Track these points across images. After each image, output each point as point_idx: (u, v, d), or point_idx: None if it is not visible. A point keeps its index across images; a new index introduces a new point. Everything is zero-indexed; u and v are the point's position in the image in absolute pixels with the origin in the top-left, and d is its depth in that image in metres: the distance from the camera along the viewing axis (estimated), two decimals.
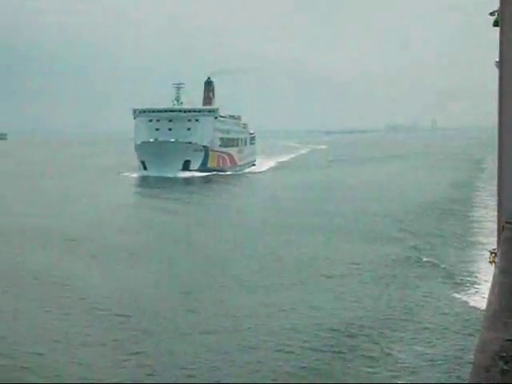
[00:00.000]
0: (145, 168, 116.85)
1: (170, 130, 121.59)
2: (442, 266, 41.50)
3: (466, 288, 36.08)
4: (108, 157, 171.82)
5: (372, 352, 26.65)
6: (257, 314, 31.91)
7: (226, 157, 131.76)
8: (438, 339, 28.12)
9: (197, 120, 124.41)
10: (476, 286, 36.16)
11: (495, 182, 17.09)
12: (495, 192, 17.59)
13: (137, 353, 26.87)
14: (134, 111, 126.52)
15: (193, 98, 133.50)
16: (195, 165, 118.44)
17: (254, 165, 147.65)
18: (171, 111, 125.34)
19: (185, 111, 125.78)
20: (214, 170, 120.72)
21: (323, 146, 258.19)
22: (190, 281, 39.09)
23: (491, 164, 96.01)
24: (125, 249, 48.14)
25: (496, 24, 16.81)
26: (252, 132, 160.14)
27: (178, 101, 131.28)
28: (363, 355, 26.40)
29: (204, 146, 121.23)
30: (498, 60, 16.89)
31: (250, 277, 39.30)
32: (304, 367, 25.16)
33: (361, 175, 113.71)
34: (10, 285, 37.66)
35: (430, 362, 25.56)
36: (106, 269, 42.02)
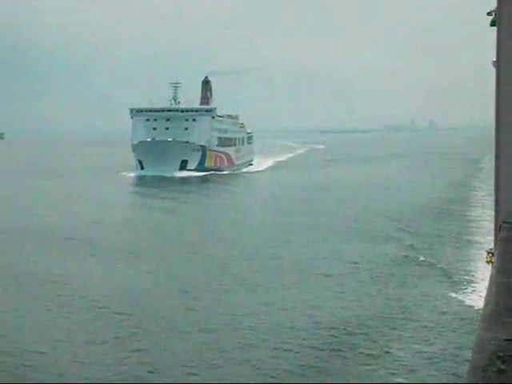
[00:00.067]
0: (142, 167, 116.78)
1: (167, 129, 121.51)
2: (440, 265, 41.55)
3: (463, 287, 36.16)
4: (105, 156, 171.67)
5: (371, 350, 26.79)
6: (256, 312, 32.05)
7: (224, 156, 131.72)
8: (435, 338, 28.26)
9: (194, 119, 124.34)
10: (473, 285, 36.21)
11: (492, 182, 17.10)
12: (492, 191, 17.60)
13: (138, 350, 27.10)
14: (131, 111, 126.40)
15: (190, 98, 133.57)
16: (192, 164, 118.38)
17: (251, 164, 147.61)
18: (168, 111, 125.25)
19: (182, 111, 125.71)
20: (212, 170, 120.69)
21: (321, 146, 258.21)
22: (189, 279, 39.20)
23: (488, 163, 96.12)
24: (123, 248, 48.26)
25: (493, 24, 16.82)
26: (249, 131, 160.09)
27: (175, 100, 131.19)
28: (361, 353, 26.55)
29: (201, 146, 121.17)
30: (495, 60, 16.90)
31: (248, 275, 39.41)
32: (304, 365, 25.29)
33: (359, 175, 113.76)
34: (13, 283, 37.79)
35: (427, 360, 25.70)
36: (105, 267, 42.11)
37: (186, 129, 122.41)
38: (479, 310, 29.74)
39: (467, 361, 22.87)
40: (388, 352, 26.64)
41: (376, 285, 37.13)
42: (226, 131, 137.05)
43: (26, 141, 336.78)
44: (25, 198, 79.05)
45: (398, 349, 26.93)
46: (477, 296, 33.01)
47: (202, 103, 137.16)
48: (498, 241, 15.19)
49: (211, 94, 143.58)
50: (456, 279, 37.97)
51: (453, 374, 24.18)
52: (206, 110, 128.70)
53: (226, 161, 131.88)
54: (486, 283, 12.88)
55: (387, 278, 38.55)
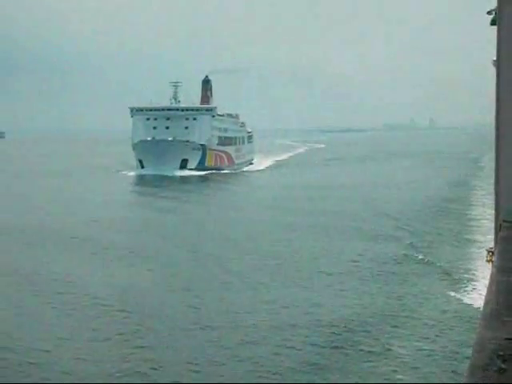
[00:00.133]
0: (142, 166, 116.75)
1: (167, 128, 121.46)
2: (440, 264, 41.60)
3: (464, 286, 36.23)
4: (106, 155, 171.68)
5: (372, 347, 26.93)
6: (258, 310, 32.20)
7: (224, 155, 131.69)
8: (436, 335, 28.39)
9: (194, 119, 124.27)
10: (473, 283, 36.29)
11: (492, 181, 17.11)
12: (492, 190, 17.61)
13: (141, 347, 27.27)
14: (132, 110, 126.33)
15: (190, 97, 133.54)
16: (193, 163, 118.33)
17: (251, 163, 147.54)
18: (169, 110, 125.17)
19: (182, 110, 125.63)
20: (212, 169, 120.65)
21: (321, 145, 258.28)
22: (191, 278, 39.32)
23: (488, 163, 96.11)
24: (125, 246, 48.38)
25: (493, 23, 16.83)
26: (250, 131, 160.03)
27: (175, 99, 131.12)
28: (363, 350, 26.71)
29: (201, 145, 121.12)
30: (495, 59, 16.91)
31: (250, 274, 39.52)
32: (306, 362, 25.44)
33: (359, 174, 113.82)
34: (17, 281, 37.93)
35: (428, 357, 25.84)
36: (107, 266, 42.22)
37: (187, 128, 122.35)
38: (478, 307, 30.01)
39: (467, 358, 23.12)
40: (389, 349, 26.78)
41: (377, 283, 37.22)
42: (226, 130, 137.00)
43: (26, 140, 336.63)
44: (24, 197, 79.01)
45: (399, 346, 27.10)
46: (477, 294, 33.15)
47: (202, 102, 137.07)
48: (498, 239, 15.20)
49: (211, 93, 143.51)
50: (456, 278, 38.03)
51: (452, 371, 24.30)
52: (207, 109, 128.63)
53: (226, 160, 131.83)
54: (486, 282, 12.89)
55: (388, 277, 38.64)
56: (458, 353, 25.85)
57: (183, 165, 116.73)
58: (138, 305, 33.49)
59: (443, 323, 29.97)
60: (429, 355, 26.05)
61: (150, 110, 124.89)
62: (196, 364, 25.44)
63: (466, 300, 33.24)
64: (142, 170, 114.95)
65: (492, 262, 14.58)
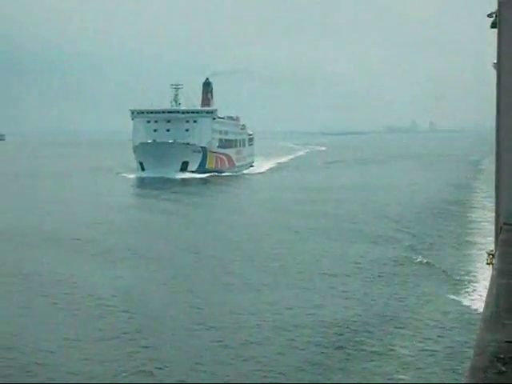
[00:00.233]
0: (143, 169, 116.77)
1: (168, 130, 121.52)
2: (440, 266, 41.64)
3: (464, 288, 36.32)
4: (106, 157, 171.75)
5: (374, 347, 27.13)
6: (261, 311, 32.34)
7: (225, 158, 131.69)
8: (437, 336, 28.55)
9: (195, 121, 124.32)
10: (473, 285, 36.37)
11: (493, 184, 17.12)
12: (493, 193, 17.61)
13: (146, 347, 27.47)
14: (132, 112, 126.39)
15: (191, 99, 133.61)
16: (193, 166, 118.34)
17: (252, 166, 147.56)
18: (169, 112, 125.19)
19: (183, 112, 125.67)
20: (212, 171, 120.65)
21: (322, 148, 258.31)
22: (194, 279, 39.44)
23: (488, 165, 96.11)
24: (128, 248, 48.46)
25: (494, 26, 16.85)
26: (250, 133, 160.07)
27: (176, 102, 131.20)
28: (365, 350, 26.90)
29: (202, 147, 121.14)
30: (495, 61, 16.93)
31: (253, 275, 39.65)
32: (309, 361, 25.63)
33: (360, 176, 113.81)
34: (22, 283, 38.00)
35: (429, 358, 26.03)
36: (110, 267, 42.33)
37: (187, 130, 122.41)
38: (477, 309, 30.21)
39: (466, 358, 23.28)
40: (391, 350, 26.96)
41: (378, 284, 37.37)
42: (226, 133, 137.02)
43: (26, 142, 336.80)
44: (25, 199, 79.05)
45: (400, 346, 27.28)
46: (477, 296, 33.26)
47: (202, 105, 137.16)
48: (498, 242, 15.21)
49: (212, 95, 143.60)
50: (457, 280, 38.08)
51: (453, 371, 24.49)
52: (207, 112, 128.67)
53: (226, 162, 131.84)
54: (487, 284, 12.89)
55: (389, 278, 38.77)
56: (458, 353, 26.01)
57: (184, 167, 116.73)
58: (141, 305, 33.70)
59: (444, 324, 30.09)
60: (430, 355, 26.22)
61: (151, 113, 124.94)
62: (201, 364, 25.64)
63: (467, 302, 33.33)
64: (143, 173, 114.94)
65: (492, 264, 14.59)
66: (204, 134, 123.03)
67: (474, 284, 36.55)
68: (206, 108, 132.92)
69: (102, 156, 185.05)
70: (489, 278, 12.83)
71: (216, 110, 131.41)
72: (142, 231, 58.71)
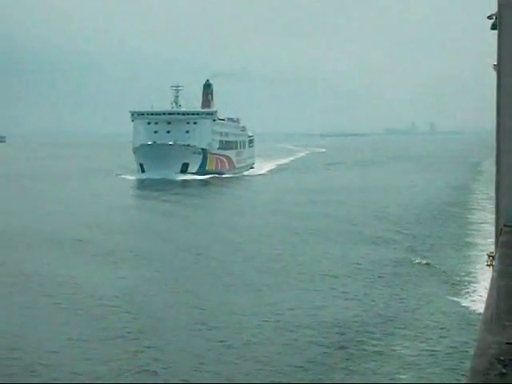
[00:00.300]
0: (143, 170, 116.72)
1: (168, 132, 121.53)
2: (440, 267, 41.72)
3: (464, 288, 36.43)
4: (106, 159, 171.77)
5: (375, 347, 27.29)
6: (263, 311, 32.46)
7: (225, 159, 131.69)
8: (437, 337, 28.70)
9: (195, 123, 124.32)
10: (473, 286, 36.46)
11: (493, 185, 17.13)
12: (493, 195, 17.62)
13: (149, 347, 27.62)
14: (133, 114, 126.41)
15: (191, 101, 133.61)
16: (193, 167, 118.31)
17: (252, 167, 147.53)
18: (170, 114, 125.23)
19: (183, 114, 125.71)
20: (213, 173, 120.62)
21: (322, 149, 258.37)
22: (195, 281, 39.56)
23: (488, 167, 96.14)
24: (129, 249, 48.64)
25: (494, 27, 16.86)
26: (251, 135, 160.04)
27: (176, 103, 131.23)
28: (366, 350, 27.05)
29: (202, 149, 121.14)
30: (496, 63, 16.94)
31: (254, 276, 39.77)
32: (310, 361, 25.78)
33: (360, 178, 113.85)
34: (22, 284, 38.08)
35: (430, 358, 26.21)
36: (112, 268, 42.47)
37: (187, 132, 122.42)
38: (476, 310, 30.34)
39: (466, 358, 23.37)
40: (392, 350, 27.10)
41: (379, 285, 37.49)
42: (227, 134, 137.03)
43: (27, 144, 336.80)
44: (27, 201, 79.04)
45: (401, 347, 27.44)
46: (477, 297, 33.37)
47: (203, 106, 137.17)
48: (498, 244, 15.21)
49: (212, 97, 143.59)
50: (457, 282, 38.14)
51: (452, 370, 24.67)
52: (207, 113, 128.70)
53: (227, 164, 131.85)
54: (487, 285, 12.89)
55: (389, 279, 38.88)
56: (458, 354, 26.16)
57: (184, 169, 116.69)
58: (144, 306, 33.84)
59: (444, 325, 30.22)
60: (430, 355, 26.37)
61: (151, 114, 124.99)
62: (204, 363, 25.82)
63: (467, 303, 33.40)
64: (143, 174, 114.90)
65: (492, 266, 14.59)
66: (204, 136, 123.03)
67: (474, 285, 36.59)
68: (207, 110, 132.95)
69: (101, 157, 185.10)
70: (489, 280, 12.83)
71: (216, 112, 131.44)
72: (143, 232, 58.78)
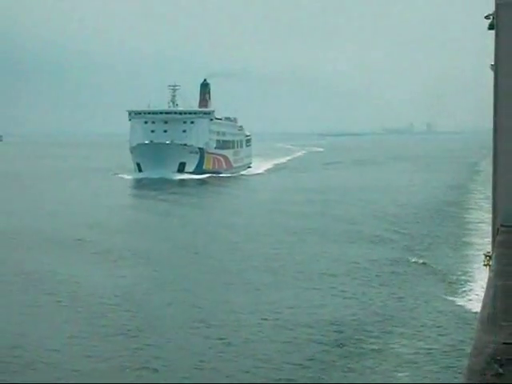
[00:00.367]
0: (140, 170, 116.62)
1: (165, 131, 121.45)
2: (437, 266, 41.86)
3: (461, 288, 36.55)
4: (103, 158, 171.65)
5: (373, 345, 27.47)
6: (261, 310, 32.60)
7: (222, 159, 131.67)
8: (434, 335, 28.88)
9: (192, 122, 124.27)
10: (470, 286, 36.58)
11: (490, 185, 17.14)
12: (490, 194, 17.63)
13: (149, 344, 27.76)
14: (130, 113, 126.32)
15: (189, 100, 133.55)
16: (190, 167, 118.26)
17: (250, 167, 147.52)
18: (167, 113, 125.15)
19: (180, 113, 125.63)
20: (210, 172, 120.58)
21: (320, 149, 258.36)
22: (194, 280, 39.61)
23: (486, 167, 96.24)
24: (128, 249, 48.65)
25: (491, 27, 16.87)
26: (248, 134, 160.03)
27: (173, 103, 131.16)
28: (364, 348, 27.23)
29: (199, 148, 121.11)
30: (493, 63, 16.95)
31: (252, 275, 39.84)
32: (308, 359, 25.94)
33: (357, 177, 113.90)
34: (23, 283, 38.12)
35: (427, 356, 26.37)
36: (111, 267, 42.55)
37: (184, 131, 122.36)
38: (472, 309, 30.47)
39: (462, 356, 23.46)
40: (389, 348, 27.25)
41: (376, 284, 37.62)
42: (224, 134, 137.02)
43: (24, 143, 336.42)
44: (25, 200, 78.96)
45: (398, 345, 27.59)
46: (474, 297, 33.52)
47: (200, 106, 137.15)
48: (495, 244, 15.23)
49: (210, 96, 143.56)
50: (454, 281, 38.29)
51: (449, 367, 24.85)
52: (205, 113, 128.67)
53: (224, 163, 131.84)
54: (484, 285, 12.90)
55: (387, 278, 38.98)
56: (454, 352, 26.34)
57: (181, 168, 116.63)
58: (143, 304, 33.95)
59: (441, 324, 30.38)
60: (427, 353, 26.53)
61: (148, 114, 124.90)
62: (203, 361, 25.96)
63: (464, 303, 33.54)
64: (140, 174, 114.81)
65: (489, 266, 14.60)
66: (201, 135, 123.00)
67: (471, 285, 36.68)
68: (204, 109, 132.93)
69: (99, 157, 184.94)
70: (486, 280, 12.84)
71: (213, 111, 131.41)
72: (141, 232, 58.79)
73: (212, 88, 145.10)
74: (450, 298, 34.49)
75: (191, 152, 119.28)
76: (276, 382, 24.21)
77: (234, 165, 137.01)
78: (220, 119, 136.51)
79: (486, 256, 17.26)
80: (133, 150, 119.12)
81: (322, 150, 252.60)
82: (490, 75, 17.48)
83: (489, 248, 17.94)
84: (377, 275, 39.72)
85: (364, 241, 50.89)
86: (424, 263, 42.84)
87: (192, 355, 26.63)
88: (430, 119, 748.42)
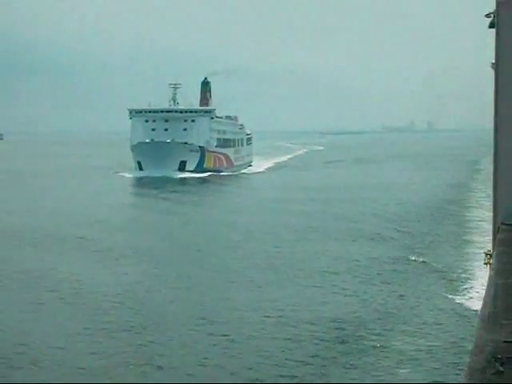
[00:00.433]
0: (141, 168, 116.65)
1: (166, 130, 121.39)
2: (438, 265, 41.90)
3: (462, 285, 36.69)
4: (105, 157, 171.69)
5: (373, 342, 27.60)
6: (263, 307, 32.73)
7: (223, 157, 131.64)
8: (434, 332, 28.98)
9: (193, 120, 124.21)
10: (471, 284, 36.66)
11: (490, 183, 17.15)
12: (490, 193, 17.64)
13: (152, 341, 27.94)
14: (130, 111, 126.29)
15: (189, 99, 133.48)
16: (191, 165, 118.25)
17: (250, 165, 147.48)
18: (167, 111, 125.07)
19: (181, 111, 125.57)
20: (210, 171, 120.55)
21: (320, 147, 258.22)
22: (195, 278, 39.71)
23: (486, 165, 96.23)
24: (129, 247, 48.90)
25: (492, 26, 16.87)
26: (249, 133, 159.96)
27: (174, 101, 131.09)
28: (364, 344, 27.38)
29: (200, 147, 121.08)
30: (494, 61, 16.95)
31: (253, 273, 39.95)
32: (310, 356, 26.11)
33: (358, 176, 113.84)
34: (25, 281, 38.23)
35: (427, 353, 26.47)
36: (113, 265, 42.70)
37: (185, 130, 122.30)
38: (471, 306, 30.53)
39: (463, 352, 23.51)
40: (391, 345, 27.37)
41: (377, 282, 37.71)
42: (225, 132, 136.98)
43: (25, 141, 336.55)
44: (26, 198, 79.00)
45: (399, 342, 27.74)
46: (474, 295, 33.65)
47: (201, 104, 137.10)
48: (496, 242, 15.24)
49: (210, 94, 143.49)
50: (454, 279, 38.37)
51: (449, 364, 24.95)
52: (205, 111, 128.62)
53: (225, 162, 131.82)
54: (484, 283, 12.92)
55: (388, 277, 39.07)
56: (455, 349, 26.47)
57: (182, 167, 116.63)
58: (146, 301, 34.11)
59: (442, 321, 30.49)
60: (428, 350, 26.65)
61: (149, 112, 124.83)
62: (206, 358, 26.10)
63: (464, 300, 33.66)
64: (141, 172, 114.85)
65: (490, 264, 14.61)
66: (202, 134, 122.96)
67: (472, 283, 36.72)
68: (204, 107, 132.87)
69: (100, 155, 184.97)
70: (486, 278, 12.86)
71: (214, 110, 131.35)
72: (143, 230, 58.88)
73: (213, 86, 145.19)
74: (451, 296, 34.55)
75: (192, 150, 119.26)
76: (278, 379, 24.31)
77: (235, 163, 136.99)
78: (221, 118, 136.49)
79: (487, 254, 17.27)
80: (133, 148, 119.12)
81: (322, 148, 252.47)
82: (490, 74, 17.49)
83: (489, 246, 17.95)
84: (378, 273, 39.83)
85: (365, 239, 50.95)
86: (424, 261, 42.91)
87: (195, 352, 26.79)
88: (431, 117, 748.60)
